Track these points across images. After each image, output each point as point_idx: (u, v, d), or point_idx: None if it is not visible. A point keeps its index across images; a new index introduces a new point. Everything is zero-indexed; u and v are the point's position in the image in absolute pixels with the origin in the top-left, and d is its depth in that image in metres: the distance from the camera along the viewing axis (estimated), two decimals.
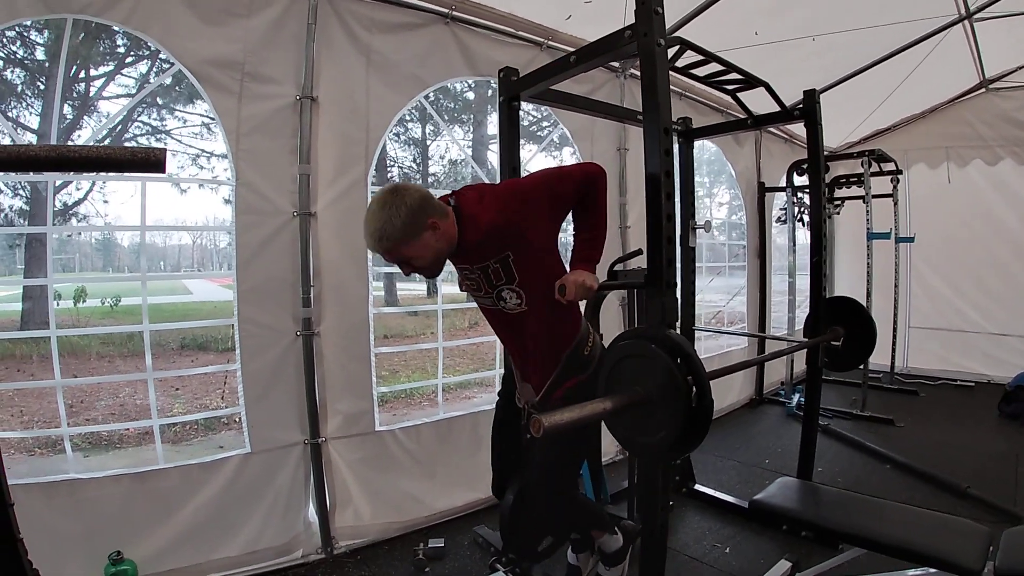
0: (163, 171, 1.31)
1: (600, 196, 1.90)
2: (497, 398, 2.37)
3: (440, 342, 3.44)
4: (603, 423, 1.79)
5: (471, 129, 15.12)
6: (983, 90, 5.86)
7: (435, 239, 1.79)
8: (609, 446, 4.06)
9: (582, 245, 1.87)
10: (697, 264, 3.72)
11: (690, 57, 2.62)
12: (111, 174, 2.12)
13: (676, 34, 3.52)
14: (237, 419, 6.20)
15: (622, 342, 1.70)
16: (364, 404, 2.99)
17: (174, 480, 2.58)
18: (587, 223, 1.90)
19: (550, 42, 3.53)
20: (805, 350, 3.21)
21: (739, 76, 2.80)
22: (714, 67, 2.73)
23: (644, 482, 1.95)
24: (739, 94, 3.06)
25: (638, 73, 4.03)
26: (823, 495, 2.51)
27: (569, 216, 1.98)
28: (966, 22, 4.43)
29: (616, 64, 3.96)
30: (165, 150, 1.32)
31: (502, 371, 2.65)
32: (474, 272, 1.93)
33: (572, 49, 3.34)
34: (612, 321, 3.91)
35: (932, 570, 1.99)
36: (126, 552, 2.36)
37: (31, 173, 2.16)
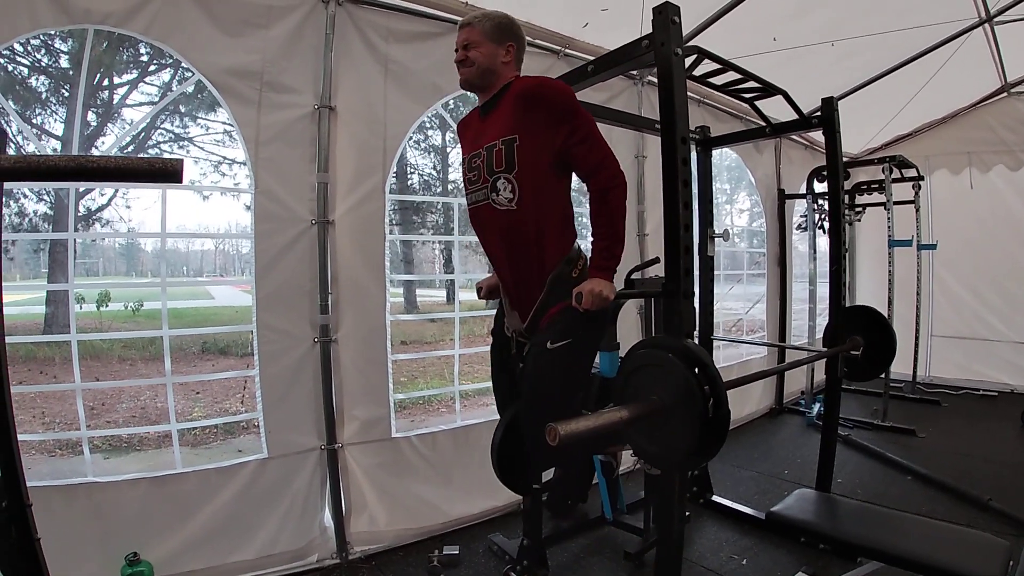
0: (180, 181, 1.33)
1: (619, 201, 1.89)
2: (491, 338, 2.36)
3: (457, 349, 3.44)
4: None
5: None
6: (1005, 94, 5.76)
7: (501, 56, 2.00)
8: (624, 456, 4.03)
9: (599, 254, 1.86)
10: (716, 272, 3.70)
11: (708, 65, 2.62)
12: (130, 183, 2.15)
13: (693, 42, 3.51)
14: (256, 423, 6.30)
15: (639, 351, 1.70)
16: (381, 410, 3.00)
17: (192, 484, 2.60)
18: (605, 230, 1.88)
19: (567, 50, 3.54)
20: (824, 360, 3.18)
21: (757, 84, 2.79)
22: (731, 75, 2.72)
23: (660, 492, 1.94)
24: (757, 102, 3.05)
25: (656, 81, 4.07)
26: (841, 507, 2.48)
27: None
28: (987, 25, 4.37)
29: (634, 72, 3.96)
30: (182, 160, 1.33)
31: None
32: (479, 156, 1.99)
33: (589, 57, 3.38)
34: (630, 330, 3.88)
35: None
36: (143, 554, 2.38)
37: (50, 183, 2.20)
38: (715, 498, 3.50)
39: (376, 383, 2.99)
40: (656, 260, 2.88)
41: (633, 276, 2.85)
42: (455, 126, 2.42)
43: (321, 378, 2.81)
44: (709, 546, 3.04)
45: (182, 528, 2.56)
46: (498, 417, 2.39)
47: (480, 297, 2.33)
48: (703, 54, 2.42)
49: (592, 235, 1.94)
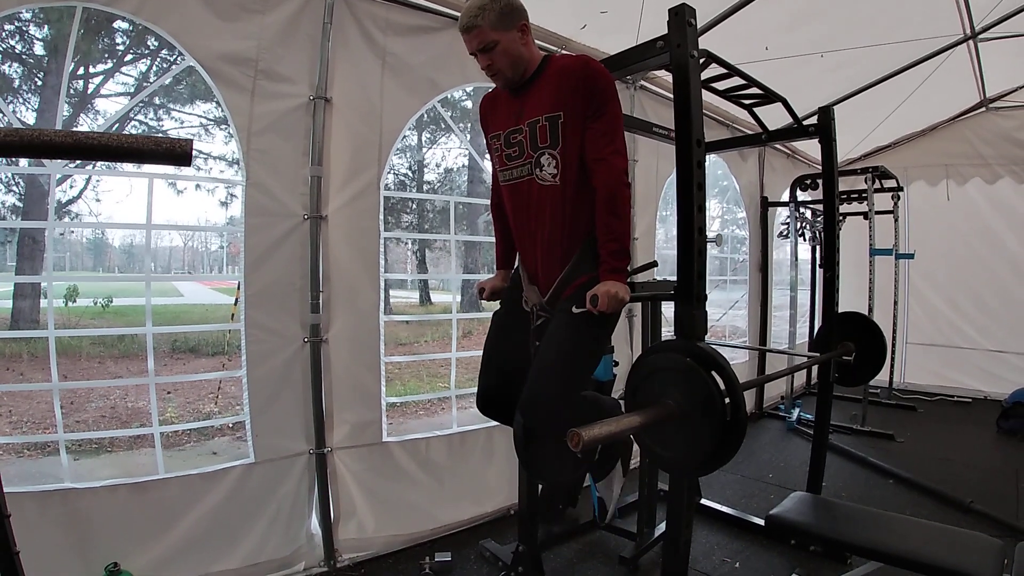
0: (189, 163, 1.26)
1: (625, 202, 1.85)
2: (498, 307, 2.28)
3: (454, 352, 3.37)
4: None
5: (469, 137, 15.15)
6: (983, 109, 5.91)
7: (521, 42, 1.91)
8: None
9: (611, 255, 1.82)
10: (708, 277, 3.69)
11: (712, 71, 2.61)
12: (134, 163, 2.04)
13: None
14: (230, 425, 6.18)
15: (652, 355, 1.66)
16: (372, 414, 2.93)
17: (174, 490, 2.50)
18: (614, 232, 1.83)
19: (563, 51, 3.50)
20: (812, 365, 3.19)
21: (759, 91, 2.79)
22: (733, 81, 2.72)
23: (672, 497, 1.91)
24: (755, 109, 3.05)
25: (649, 86, 4.08)
26: (839, 510, 2.49)
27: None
28: (971, 41, 4.46)
29: (628, 77, 3.95)
30: (191, 141, 1.25)
31: None
32: (521, 132, 1.94)
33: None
34: (617, 335, 3.86)
35: None
36: (123, 563, 2.29)
37: (45, 160, 2.09)
38: (704, 501, 3.50)
39: (368, 385, 2.92)
40: (654, 264, 2.87)
41: (631, 280, 2.82)
42: (450, 123, 2.35)
43: (311, 380, 2.73)
44: (701, 549, 3.03)
45: (164, 536, 2.46)
46: (497, 426, 2.31)
47: (482, 298, 2.27)
48: (711, 58, 2.41)
49: (600, 237, 1.88)
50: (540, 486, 2.85)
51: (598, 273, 1.81)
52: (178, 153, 1.23)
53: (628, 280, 2.08)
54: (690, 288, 1.71)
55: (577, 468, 2.09)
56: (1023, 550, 2.00)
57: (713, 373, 1.51)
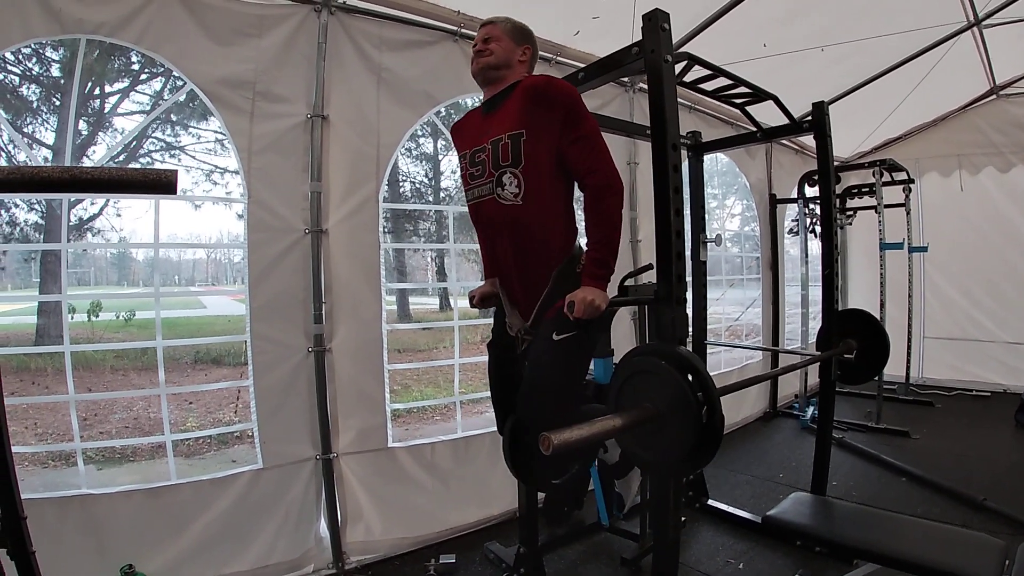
0: (174, 192, 1.34)
1: (614, 209, 1.88)
2: (490, 336, 2.32)
3: (456, 359, 3.42)
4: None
5: None
6: (994, 96, 5.82)
7: (517, 55, 2.07)
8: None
9: (592, 262, 1.84)
10: (713, 277, 3.70)
11: (699, 71, 2.63)
12: (124, 195, 2.14)
13: (684, 48, 3.53)
14: (250, 433, 6.28)
15: (633, 359, 1.70)
16: (377, 420, 3.00)
17: (186, 495, 2.59)
18: (599, 238, 1.86)
19: (559, 58, 3.55)
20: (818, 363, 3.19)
21: (747, 90, 2.80)
22: (722, 81, 2.74)
23: (655, 498, 1.93)
24: (748, 107, 3.06)
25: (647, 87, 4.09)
26: (837, 510, 2.49)
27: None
28: (975, 29, 4.41)
29: (625, 79, 3.98)
30: (176, 172, 1.34)
31: None
32: (484, 151, 1.99)
33: (581, 64, 3.37)
34: (624, 336, 3.89)
35: None
36: (138, 566, 2.37)
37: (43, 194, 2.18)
38: (711, 502, 3.50)
39: (372, 392, 2.99)
40: (650, 266, 2.88)
41: (627, 283, 2.85)
42: (448, 132, 2.41)
43: (315, 388, 2.80)
44: (705, 550, 3.04)
45: (177, 539, 2.55)
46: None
47: (473, 305, 2.31)
48: (693, 60, 2.43)
49: (587, 243, 1.93)
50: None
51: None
52: (163, 183, 1.32)
53: (623, 283, 2.13)
54: (669, 291, 1.74)
55: (563, 473, 2.14)
56: None
57: (689, 376, 1.54)
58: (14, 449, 1.57)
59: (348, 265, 2.88)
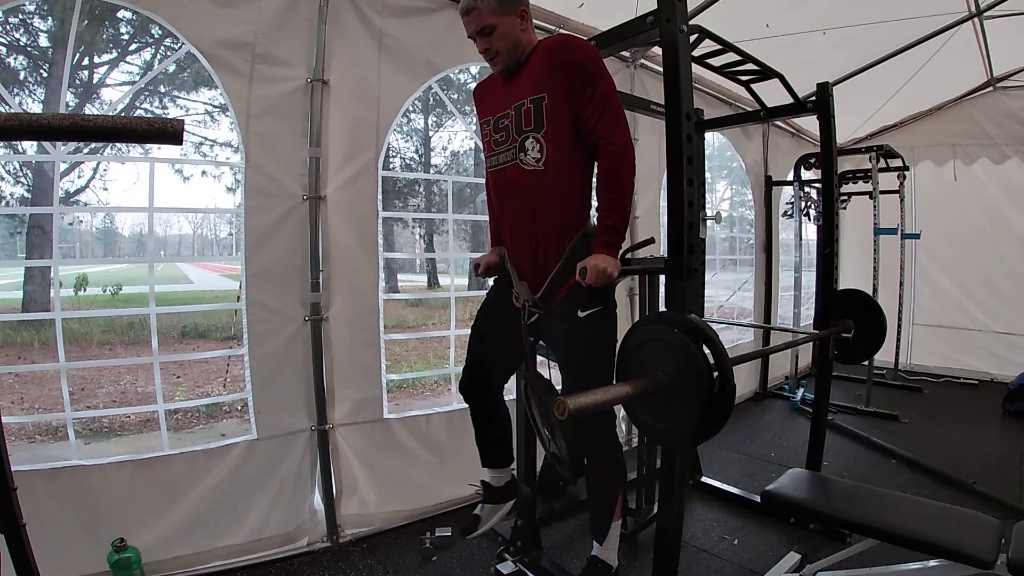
0: (180, 142, 1.30)
1: (628, 176, 1.85)
2: (485, 297, 2.30)
3: (452, 330, 3.39)
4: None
5: (473, 120, 15.08)
6: (991, 88, 5.82)
7: (520, 27, 1.93)
8: None
9: (605, 230, 1.82)
10: (711, 256, 3.69)
11: (706, 47, 2.60)
12: (128, 143, 2.08)
13: (692, 22, 3.49)
14: (239, 407, 6.26)
15: (643, 327, 1.68)
16: (373, 391, 2.97)
17: (179, 467, 2.56)
18: (612, 206, 1.83)
19: (561, 30, 3.49)
20: (812, 345, 3.19)
21: (754, 67, 2.78)
22: (729, 57, 2.71)
23: (665, 469, 1.92)
24: (752, 86, 3.04)
25: (648, 64, 4.06)
26: (835, 487, 2.49)
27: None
28: (976, 19, 4.40)
29: (627, 54, 3.94)
30: (182, 121, 1.29)
31: None
32: (508, 117, 1.94)
33: (583, 37, 3.34)
34: (620, 313, 3.88)
35: (942, 562, 1.97)
36: (129, 539, 2.35)
37: (42, 142, 2.11)
38: (704, 479, 3.53)
39: (368, 363, 2.96)
40: (651, 240, 2.87)
41: (627, 256, 2.83)
42: (448, 104, 2.36)
43: (312, 358, 2.77)
44: (700, 527, 3.07)
45: (169, 512, 2.52)
46: None
47: (478, 274, 2.27)
48: (704, 34, 2.40)
49: (598, 209, 1.89)
50: (540, 463, 2.88)
51: None
52: (170, 132, 1.27)
53: (625, 256, 2.10)
54: (680, 261, 1.72)
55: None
56: (1021, 529, 2.00)
57: (702, 346, 1.52)
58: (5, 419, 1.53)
59: (346, 233, 2.83)
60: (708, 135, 4.18)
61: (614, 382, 1.72)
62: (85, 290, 12.63)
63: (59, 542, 2.21)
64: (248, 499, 2.68)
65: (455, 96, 14.32)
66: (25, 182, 10.48)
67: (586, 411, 1.35)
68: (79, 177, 11.47)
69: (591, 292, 1.84)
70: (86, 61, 10.34)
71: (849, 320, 3.07)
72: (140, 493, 2.46)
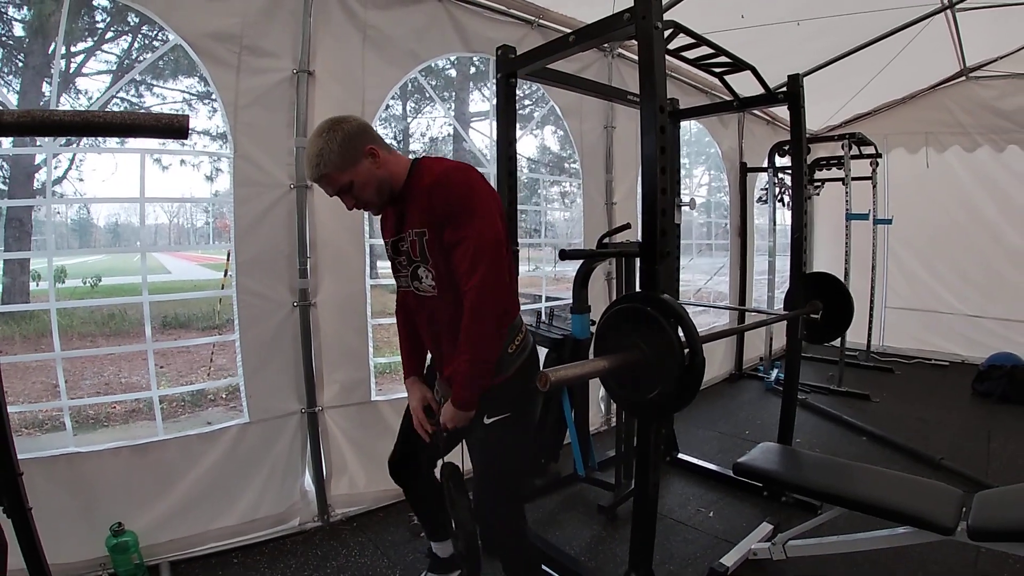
0: (186, 137, 1.38)
1: (487, 323, 1.68)
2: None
3: None
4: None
5: (452, 107, 15.07)
6: (963, 78, 5.96)
7: (375, 167, 1.75)
8: (595, 417, 4.18)
9: (456, 379, 1.74)
10: (687, 241, 3.80)
11: (681, 40, 2.68)
12: (137, 138, 2.11)
13: (666, 16, 3.57)
14: (223, 395, 6.29)
15: (619, 306, 1.78)
16: (360, 374, 3.06)
17: (173, 452, 2.62)
18: (466, 353, 1.69)
19: (541, 20, 3.56)
20: (785, 324, 3.32)
21: (727, 59, 2.87)
22: (703, 50, 2.80)
23: (640, 441, 2.03)
24: (726, 76, 3.14)
25: (626, 53, 4.15)
26: (804, 459, 2.62)
27: None
28: (949, 11, 4.51)
29: (605, 44, 4.02)
30: (188, 116, 1.37)
31: None
32: (403, 241, 1.83)
33: (563, 29, 3.43)
34: (599, 295, 4.03)
35: (907, 528, 2.10)
36: (126, 523, 2.41)
37: (52, 138, 2.13)
38: (681, 456, 3.65)
39: (356, 347, 3.04)
40: (627, 226, 2.98)
41: (605, 241, 2.94)
42: (431, 92, 2.38)
43: (300, 342, 2.85)
44: (677, 500, 3.20)
45: (165, 496, 2.59)
46: None
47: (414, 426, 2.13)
48: (679, 29, 2.48)
49: (458, 356, 1.73)
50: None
51: (510, 374, 1.83)
52: (176, 127, 1.36)
53: (601, 241, 2.18)
54: (653, 245, 1.82)
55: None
56: (981, 498, 2.12)
57: (673, 322, 1.63)
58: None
59: (332, 221, 2.89)
60: (685, 122, 4.29)
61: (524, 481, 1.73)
62: (64, 282, 12.51)
63: (59, 528, 2.27)
64: (241, 482, 2.76)
65: (434, 83, 14.25)
66: (1, 174, 10.34)
67: (567, 382, 1.45)
68: (56, 168, 11.33)
69: (498, 398, 1.80)
70: (63, 51, 10.18)
71: (818, 301, 3.19)
72: (136, 478, 2.53)
